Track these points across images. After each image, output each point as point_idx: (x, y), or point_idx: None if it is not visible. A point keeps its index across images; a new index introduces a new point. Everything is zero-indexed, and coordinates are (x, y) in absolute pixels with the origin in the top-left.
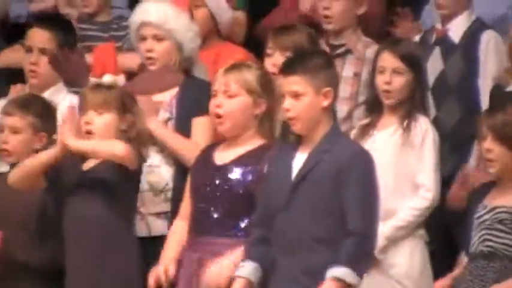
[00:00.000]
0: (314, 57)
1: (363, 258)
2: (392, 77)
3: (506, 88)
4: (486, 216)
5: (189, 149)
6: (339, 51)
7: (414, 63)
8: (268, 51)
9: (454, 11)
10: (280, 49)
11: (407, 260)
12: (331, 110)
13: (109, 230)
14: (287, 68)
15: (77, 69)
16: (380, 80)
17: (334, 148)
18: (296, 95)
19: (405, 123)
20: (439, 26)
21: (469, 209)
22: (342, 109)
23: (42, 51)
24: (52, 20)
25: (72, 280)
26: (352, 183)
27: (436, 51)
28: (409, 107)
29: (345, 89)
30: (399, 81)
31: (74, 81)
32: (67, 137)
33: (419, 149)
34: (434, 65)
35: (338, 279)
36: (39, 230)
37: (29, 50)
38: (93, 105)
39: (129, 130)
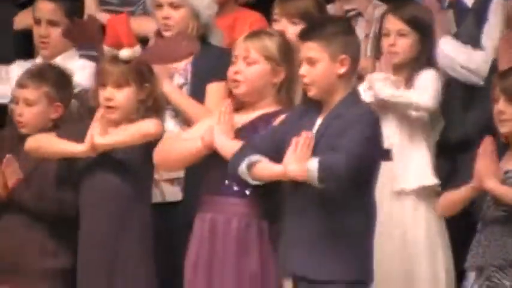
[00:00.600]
0: (332, 23)
1: (330, 167)
2: (396, 39)
3: None
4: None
5: (202, 115)
6: (350, 14)
7: (419, 25)
8: (275, 17)
9: None
10: (287, 16)
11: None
12: (349, 77)
13: (126, 202)
14: (304, 34)
15: (91, 38)
16: (385, 42)
17: (345, 112)
18: (311, 61)
19: (409, 82)
20: None
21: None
22: None
23: (50, 22)
24: None
25: (87, 251)
26: (351, 129)
27: (449, 15)
28: (414, 66)
29: None
30: (403, 43)
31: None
32: (96, 138)
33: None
34: None
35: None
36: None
37: (38, 22)
38: (113, 80)
39: (147, 99)
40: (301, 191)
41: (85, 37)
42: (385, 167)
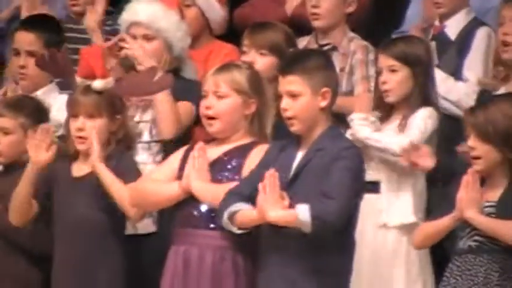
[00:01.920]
0: (312, 57)
1: (323, 216)
2: (388, 75)
3: (493, 93)
4: None
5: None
6: (325, 48)
7: (409, 60)
8: (244, 48)
9: (452, 9)
10: (256, 47)
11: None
12: (329, 110)
13: (100, 230)
14: (285, 68)
15: (63, 69)
16: (379, 81)
17: (328, 146)
18: (293, 95)
19: (404, 120)
20: (436, 23)
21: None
22: None
23: (29, 53)
24: (37, 21)
25: (60, 282)
26: (337, 166)
27: (432, 48)
28: (410, 104)
29: None
30: (395, 79)
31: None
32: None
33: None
34: None
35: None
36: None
37: (17, 53)
38: (85, 110)
39: (118, 131)
40: (283, 231)
41: (56, 68)
42: (369, 199)
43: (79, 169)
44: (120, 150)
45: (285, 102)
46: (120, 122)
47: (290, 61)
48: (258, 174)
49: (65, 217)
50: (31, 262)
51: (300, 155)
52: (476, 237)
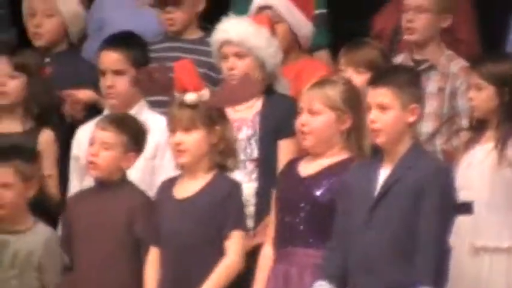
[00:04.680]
0: (404, 72)
1: (441, 276)
2: (474, 93)
3: None
4: None
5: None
6: (423, 66)
7: (496, 78)
8: (341, 66)
9: None
10: (353, 65)
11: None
12: (415, 127)
13: (200, 249)
14: (377, 80)
15: (161, 87)
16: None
17: (417, 165)
18: (383, 107)
19: (499, 142)
20: None
21: None
22: (427, 125)
23: (116, 72)
24: (121, 39)
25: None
26: (429, 200)
27: None
28: (502, 123)
29: (431, 105)
30: (480, 97)
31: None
32: None
33: None
34: None
35: None
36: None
37: (103, 73)
38: (181, 125)
39: (219, 142)
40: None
41: (154, 86)
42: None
43: (183, 189)
44: (223, 162)
45: (374, 114)
46: (220, 133)
47: (382, 74)
48: (339, 223)
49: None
50: None
51: (384, 173)
52: None
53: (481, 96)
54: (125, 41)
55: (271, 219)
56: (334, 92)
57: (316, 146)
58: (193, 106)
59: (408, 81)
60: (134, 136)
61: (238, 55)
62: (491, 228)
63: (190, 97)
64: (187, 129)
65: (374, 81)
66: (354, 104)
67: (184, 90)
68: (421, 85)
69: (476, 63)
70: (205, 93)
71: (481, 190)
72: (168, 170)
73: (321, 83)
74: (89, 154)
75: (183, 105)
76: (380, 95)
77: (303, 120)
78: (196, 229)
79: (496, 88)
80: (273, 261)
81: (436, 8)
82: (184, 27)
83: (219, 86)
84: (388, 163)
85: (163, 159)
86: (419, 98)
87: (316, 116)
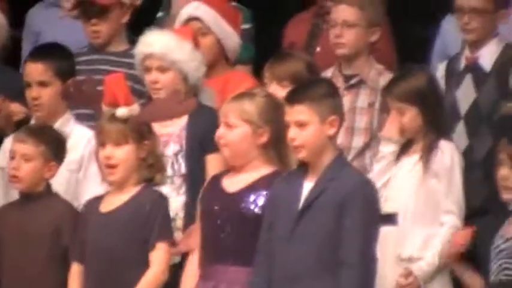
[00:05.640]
0: (319, 86)
1: (366, 287)
2: (399, 117)
3: None
4: (503, 246)
5: None
6: (353, 81)
7: (414, 98)
8: (265, 80)
9: (481, 37)
10: (277, 79)
11: None
12: (336, 138)
13: (125, 261)
14: (292, 98)
15: (89, 99)
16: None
17: (340, 176)
18: (301, 124)
19: (424, 154)
20: (467, 53)
21: (482, 241)
22: (358, 140)
23: (41, 83)
24: (46, 51)
25: None
26: (352, 212)
27: (468, 79)
28: (427, 136)
29: (361, 120)
30: (405, 120)
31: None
32: None
33: (445, 177)
34: (466, 93)
35: None
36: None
37: (28, 85)
38: (111, 139)
39: (148, 157)
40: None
41: (82, 98)
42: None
43: (109, 203)
44: (151, 177)
45: (293, 132)
46: (149, 147)
47: (297, 91)
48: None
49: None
50: None
51: (308, 185)
52: (507, 271)
53: (406, 119)
54: (50, 52)
55: (197, 227)
56: (250, 106)
57: (234, 159)
58: (123, 120)
59: (324, 93)
60: (53, 145)
61: (161, 69)
62: (416, 239)
63: (121, 111)
64: (117, 143)
65: (290, 99)
66: (272, 117)
67: (115, 104)
68: (338, 94)
69: (390, 87)
70: (136, 108)
71: (406, 201)
72: (92, 182)
73: (239, 96)
74: (10, 168)
75: (114, 119)
76: (297, 113)
77: (219, 133)
78: (120, 242)
79: (417, 107)
80: (199, 276)
81: (364, 22)
82: (110, 40)
83: (150, 102)
84: (312, 175)
85: (87, 171)
86: (337, 109)
87: (232, 129)
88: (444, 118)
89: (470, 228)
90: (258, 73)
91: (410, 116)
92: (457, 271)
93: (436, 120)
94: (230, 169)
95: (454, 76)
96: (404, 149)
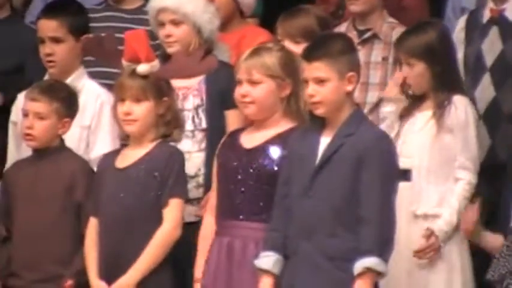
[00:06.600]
0: (336, 41)
1: (386, 245)
2: (406, 70)
3: None
4: None
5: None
6: (366, 36)
7: (423, 53)
8: (278, 37)
9: None
10: (289, 36)
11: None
12: (353, 94)
13: (140, 217)
14: (309, 54)
15: (109, 54)
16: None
17: (357, 132)
18: (320, 81)
19: (436, 109)
20: (491, 5)
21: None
22: (372, 95)
23: (54, 40)
24: (60, 7)
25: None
26: (370, 167)
27: (494, 31)
28: (439, 91)
29: (375, 74)
30: (413, 74)
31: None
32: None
33: (460, 132)
34: (492, 45)
35: (370, 270)
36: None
37: (42, 41)
38: (131, 95)
39: (166, 113)
40: None
41: (103, 52)
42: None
43: (125, 159)
44: (169, 133)
45: (312, 88)
46: (168, 104)
47: (313, 47)
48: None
49: (107, 207)
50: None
51: (325, 141)
52: None
53: (414, 73)
54: (63, 8)
55: (212, 190)
56: (272, 60)
57: (258, 114)
58: (144, 76)
59: (341, 49)
60: (66, 102)
61: (174, 22)
62: (430, 196)
63: (143, 67)
64: (137, 99)
65: (307, 56)
66: (291, 70)
67: (136, 60)
68: (355, 50)
69: (401, 41)
70: (156, 64)
71: (420, 157)
72: (104, 138)
73: (257, 51)
74: (24, 127)
75: (134, 75)
76: (315, 69)
77: (243, 91)
78: (135, 197)
79: (426, 62)
80: (215, 233)
81: None
82: None
83: (171, 59)
84: (329, 131)
85: (98, 127)
86: (354, 65)
87: (257, 86)
88: (457, 73)
89: (475, 204)
90: (265, 26)
91: (418, 71)
92: (475, 241)
93: (446, 75)
94: (249, 125)
95: (477, 28)
96: (417, 104)
